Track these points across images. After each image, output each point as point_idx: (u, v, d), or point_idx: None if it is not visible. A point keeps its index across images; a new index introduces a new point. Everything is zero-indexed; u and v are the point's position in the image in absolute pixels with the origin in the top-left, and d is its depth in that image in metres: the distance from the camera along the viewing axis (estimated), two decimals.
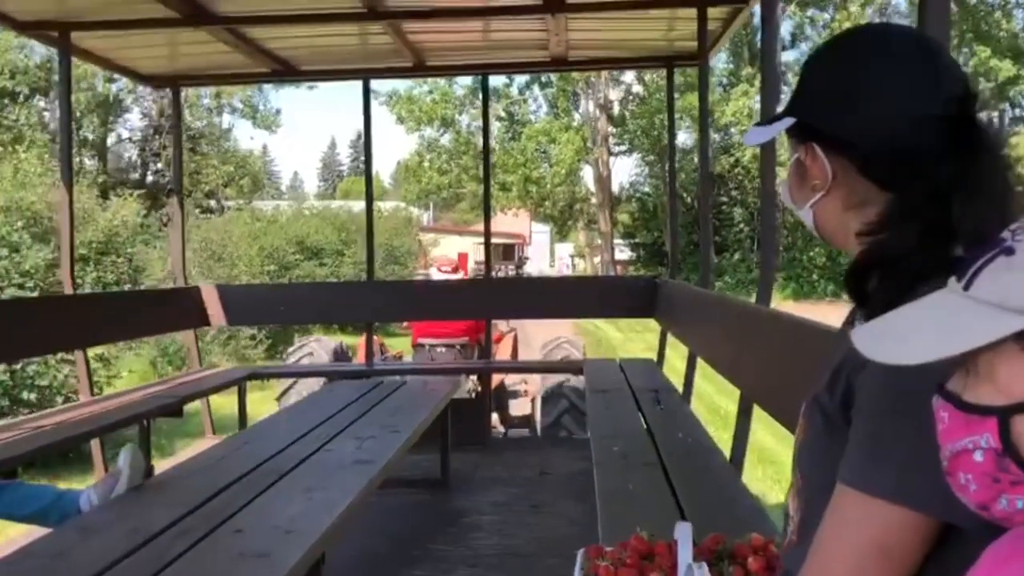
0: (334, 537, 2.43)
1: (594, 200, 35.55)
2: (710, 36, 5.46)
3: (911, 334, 0.68)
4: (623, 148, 35.21)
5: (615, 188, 36.40)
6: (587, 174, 35.87)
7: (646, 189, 35.68)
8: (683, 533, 1.41)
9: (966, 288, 0.66)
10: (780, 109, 1.12)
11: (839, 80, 1.03)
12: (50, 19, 5.20)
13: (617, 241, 35.89)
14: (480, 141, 31.72)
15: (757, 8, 4.77)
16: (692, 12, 5.22)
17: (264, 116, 30.60)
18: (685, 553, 1.40)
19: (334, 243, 19.36)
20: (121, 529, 2.36)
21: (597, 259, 35.71)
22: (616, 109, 34.00)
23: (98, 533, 2.36)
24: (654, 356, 6.29)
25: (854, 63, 1.02)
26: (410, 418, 3.95)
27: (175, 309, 6.40)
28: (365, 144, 6.83)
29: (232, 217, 20.34)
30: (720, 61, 27.14)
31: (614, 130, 34.26)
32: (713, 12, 5.24)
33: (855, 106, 1.00)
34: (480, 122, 33.34)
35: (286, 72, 6.59)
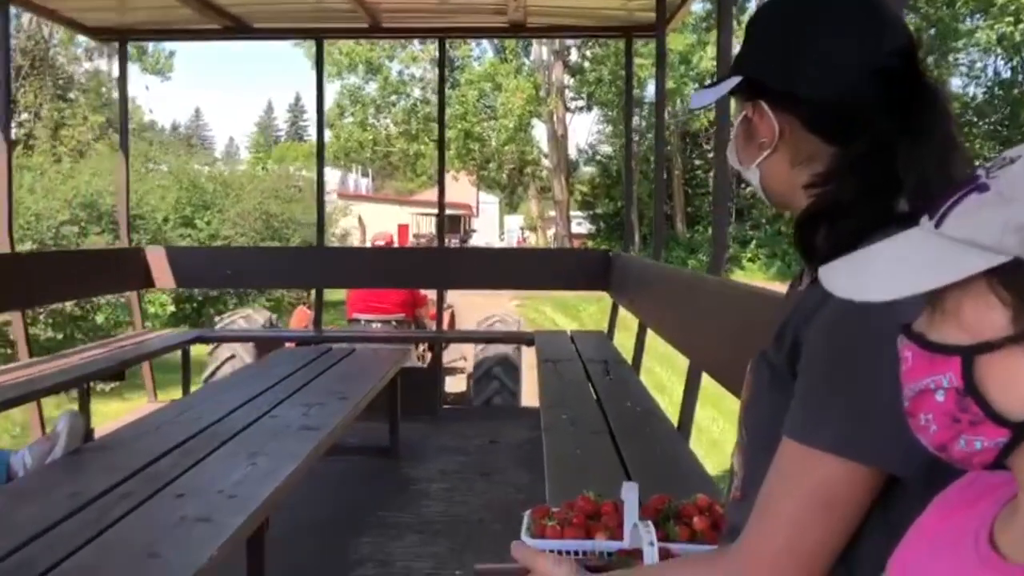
0: (277, 503, 2.40)
1: (547, 163, 29.97)
2: (668, 8, 5.44)
3: (880, 271, 0.67)
4: (582, 104, 29.53)
5: (572, 151, 30.54)
6: (540, 132, 30.11)
7: (608, 150, 29.84)
8: (629, 493, 1.42)
9: (937, 225, 0.65)
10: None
11: (784, 37, 1.03)
12: None
13: (574, 212, 30.94)
14: (417, 92, 27.87)
15: None
16: None
17: (152, 59, 24.78)
18: (631, 512, 1.41)
19: (168, 211, 13.78)
20: (60, 493, 2.30)
21: (551, 232, 31.31)
22: (574, 56, 28.29)
23: (35, 496, 2.29)
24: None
25: (798, 19, 1.03)
26: (359, 386, 3.91)
27: (120, 269, 6.25)
28: (317, 107, 6.71)
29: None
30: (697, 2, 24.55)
31: (571, 81, 28.74)
32: None
33: (800, 62, 1.00)
34: (418, 70, 29.31)
35: (238, 29, 6.40)
